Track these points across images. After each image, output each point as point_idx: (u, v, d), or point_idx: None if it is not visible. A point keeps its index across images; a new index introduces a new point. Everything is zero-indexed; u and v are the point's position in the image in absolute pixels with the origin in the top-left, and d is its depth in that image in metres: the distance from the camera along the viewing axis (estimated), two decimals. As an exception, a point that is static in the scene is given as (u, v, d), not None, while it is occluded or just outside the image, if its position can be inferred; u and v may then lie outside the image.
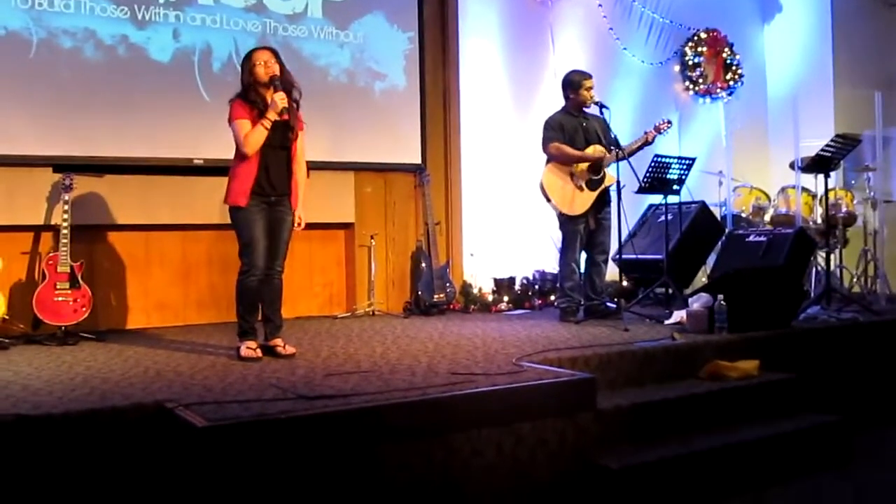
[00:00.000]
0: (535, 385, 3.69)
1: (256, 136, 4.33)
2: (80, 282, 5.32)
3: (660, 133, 6.00)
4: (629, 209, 5.88)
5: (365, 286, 6.74)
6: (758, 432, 4.23)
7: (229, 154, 4.57)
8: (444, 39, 7.19)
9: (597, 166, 5.83)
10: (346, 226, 6.83)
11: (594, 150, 5.88)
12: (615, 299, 6.16)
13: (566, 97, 6.01)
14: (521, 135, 7.41)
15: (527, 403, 3.60)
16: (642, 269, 6.80)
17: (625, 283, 6.63)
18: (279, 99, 4.32)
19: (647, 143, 5.94)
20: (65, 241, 5.27)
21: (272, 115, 4.32)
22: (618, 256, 6.14)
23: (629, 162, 5.74)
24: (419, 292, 6.71)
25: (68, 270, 5.29)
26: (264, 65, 4.41)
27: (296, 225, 4.56)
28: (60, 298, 5.26)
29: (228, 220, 4.53)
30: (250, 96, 4.41)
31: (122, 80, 5.86)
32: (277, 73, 4.40)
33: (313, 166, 5.25)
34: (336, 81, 6.70)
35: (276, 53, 4.52)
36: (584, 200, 5.86)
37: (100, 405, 3.25)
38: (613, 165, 5.77)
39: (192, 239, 6.21)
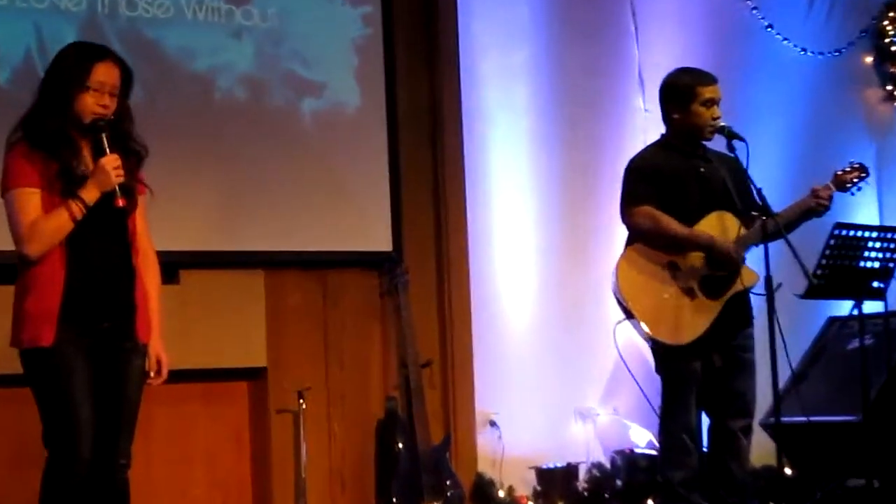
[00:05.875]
0: None
1: (54, 228, 4.09)
2: None
3: (845, 191, 5.62)
4: (791, 327, 5.45)
5: (289, 487, 6.21)
6: None
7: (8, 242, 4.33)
8: (430, 17, 6.84)
9: (719, 254, 5.46)
10: (252, 373, 6.32)
11: (719, 221, 5.44)
12: (769, 502, 6.02)
13: (667, 119, 5.57)
14: (579, 191, 7.11)
15: None
16: (819, 441, 6.41)
17: (787, 471, 6.47)
18: (111, 167, 4.08)
19: (817, 209, 5.53)
20: None
21: (93, 195, 4.08)
22: (772, 420, 5.79)
23: (786, 240, 5.16)
24: (392, 498, 6.20)
25: None
26: (100, 95, 4.16)
27: (151, 374, 4.31)
28: None
29: (18, 370, 4.23)
30: (48, 131, 4.15)
31: None
32: (110, 112, 4.19)
33: (187, 259, 5.29)
34: (228, 98, 6.26)
35: (127, 76, 4.30)
36: (698, 317, 5.41)
37: None
38: (756, 250, 5.37)
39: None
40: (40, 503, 4.07)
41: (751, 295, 5.41)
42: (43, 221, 4.02)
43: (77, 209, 4.03)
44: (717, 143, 5.50)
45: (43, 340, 4.00)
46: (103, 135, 4.12)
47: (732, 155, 5.41)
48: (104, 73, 4.17)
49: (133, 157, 4.26)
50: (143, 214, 4.31)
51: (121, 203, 4.11)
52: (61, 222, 4.03)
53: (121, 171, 4.08)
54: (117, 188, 4.10)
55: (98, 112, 4.13)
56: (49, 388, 4.09)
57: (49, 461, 4.08)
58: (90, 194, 4.05)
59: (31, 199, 4.02)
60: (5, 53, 5.68)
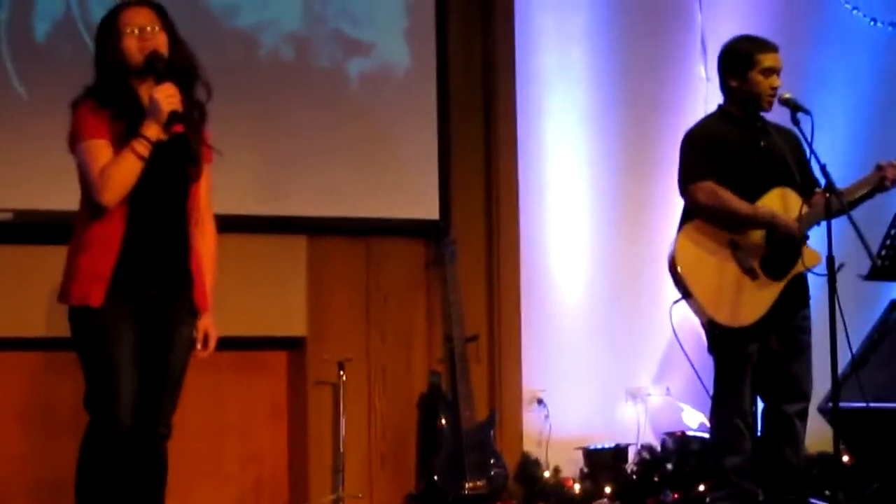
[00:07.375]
0: None
1: (123, 170, 4.18)
2: None
3: None
4: (852, 309, 5.34)
5: (326, 463, 6.29)
6: None
7: (68, 202, 4.44)
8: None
9: (783, 233, 5.49)
10: (291, 343, 6.37)
11: (781, 197, 5.47)
12: (826, 492, 5.91)
13: (726, 87, 5.57)
14: (637, 161, 7.13)
15: None
16: (879, 428, 6.35)
17: (844, 459, 6.44)
18: (165, 97, 4.16)
19: (883, 185, 5.54)
20: None
21: (153, 130, 4.16)
22: (830, 405, 5.67)
23: (850, 219, 5.14)
24: (434, 476, 6.21)
25: None
26: (138, 34, 4.24)
27: (198, 345, 4.41)
28: None
29: (62, 332, 4.34)
30: (115, 93, 4.27)
31: None
32: (163, 48, 4.27)
33: (226, 223, 4.93)
34: (273, 58, 6.31)
35: (159, 10, 4.38)
36: (759, 298, 5.44)
37: None
38: (818, 228, 5.35)
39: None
40: (78, 466, 4.14)
41: (809, 274, 5.42)
42: (111, 165, 4.11)
43: (140, 146, 4.09)
44: (776, 115, 5.49)
45: (92, 300, 4.07)
46: (157, 68, 4.17)
47: (790, 128, 5.41)
48: (130, 15, 4.25)
49: (196, 111, 4.33)
50: (208, 182, 4.38)
51: (179, 129, 4.20)
52: (129, 163, 4.11)
53: (173, 99, 4.15)
54: (175, 115, 4.14)
55: (143, 47, 4.18)
56: (93, 350, 4.14)
57: (89, 425, 4.13)
58: (149, 129, 4.12)
59: (100, 150, 4.11)
60: (46, 9, 5.75)
